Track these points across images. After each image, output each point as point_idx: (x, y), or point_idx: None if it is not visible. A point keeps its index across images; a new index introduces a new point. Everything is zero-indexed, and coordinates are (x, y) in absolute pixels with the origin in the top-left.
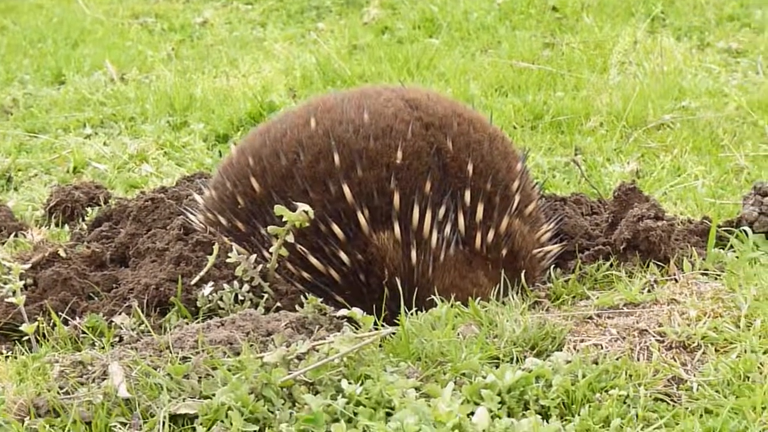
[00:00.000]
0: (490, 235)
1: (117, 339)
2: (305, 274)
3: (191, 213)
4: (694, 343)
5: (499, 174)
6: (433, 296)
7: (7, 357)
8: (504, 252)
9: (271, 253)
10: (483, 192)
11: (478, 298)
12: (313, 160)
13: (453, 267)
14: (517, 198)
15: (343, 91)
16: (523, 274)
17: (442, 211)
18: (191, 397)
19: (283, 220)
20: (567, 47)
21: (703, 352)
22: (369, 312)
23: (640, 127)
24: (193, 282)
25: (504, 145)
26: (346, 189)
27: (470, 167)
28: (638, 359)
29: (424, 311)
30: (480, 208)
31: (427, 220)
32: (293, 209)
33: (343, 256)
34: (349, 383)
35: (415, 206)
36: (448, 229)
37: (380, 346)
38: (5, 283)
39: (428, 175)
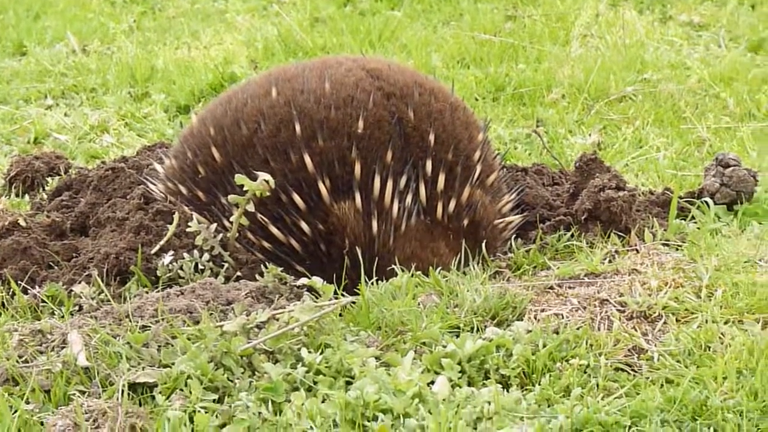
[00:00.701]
0: (452, 204)
1: (76, 308)
2: (266, 244)
3: (152, 182)
4: (655, 313)
5: (461, 144)
6: (393, 266)
7: None
8: (465, 222)
9: (231, 223)
10: (444, 162)
11: (439, 268)
12: (274, 130)
13: (414, 237)
14: (478, 168)
15: (304, 61)
16: (484, 244)
17: (403, 180)
18: (150, 366)
19: (244, 189)
20: (529, 20)
21: (664, 322)
22: (329, 281)
23: (602, 99)
24: (153, 251)
25: (465, 115)
26: (307, 158)
27: (432, 137)
28: (599, 329)
29: (384, 281)
30: (441, 178)
31: (388, 189)
32: (254, 179)
33: (303, 225)
34: (309, 352)
35: (376, 176)
36: (409, 199)
37: (340, 315)
38: None
39: (389, 145)
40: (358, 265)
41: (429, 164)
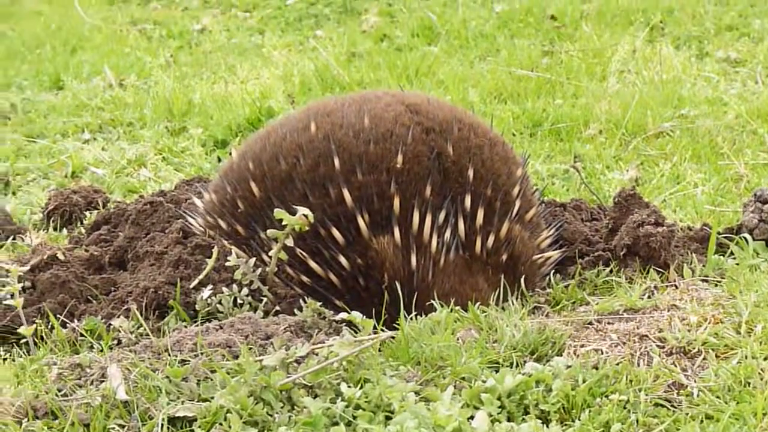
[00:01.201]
0: (491, 240)
1: (115, 342)
2: (305, 278)
3: (191, 216)
4: (694, 348)
5: (500, 179)
6: (432, 301)
7: (5, 359)
8: (504, 257)
9: (270, 257)
10: (483, 197)
11: (478, 303)
12: (313, 164)
13: (453, 272)
14: (517, 203)
15: (343, 95)
16: (522, 280)
17: (442, 215)
18: (190, 400)
19: (283, 224)
20: (566, 55)
21: (704, 358)
22: (368, 316)
23: (639, 134)
24: (191, 285)
25: (504, 151)
26: (345, 193)
27: (471, 172)
28: (638, 365)
29: (423, 316)
30: (480, 213)
31: (427, 224)
32: (293, 213)
33: (342, 260)
34: (349, 387)
35: (415, 210)
36: (448, 233)
37: (380, 350)
38: (4, 286)
39: (428, 180)
40: (397, 300)
41: (468, 199)
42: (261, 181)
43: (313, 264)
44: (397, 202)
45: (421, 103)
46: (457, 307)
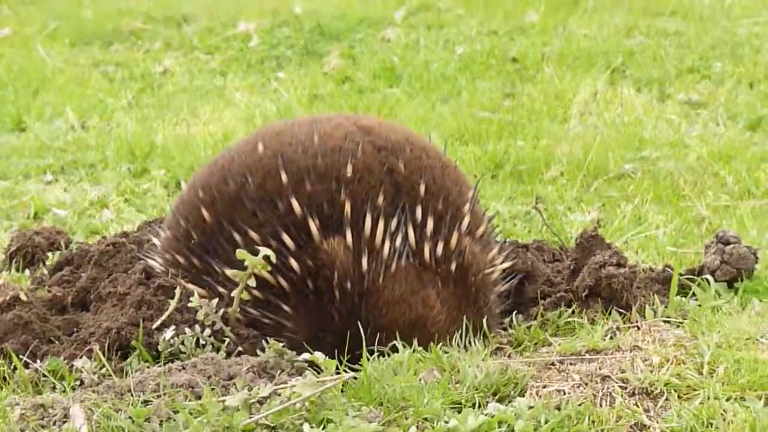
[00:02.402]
0: (440, 247)
1: (78, 382)
2: (256, 292)
3: (151, 257)
4: (656, 389)
5: (450, 197)
6: (382, 306)
7: None
8: (453, 266)
9: (225, 289)
10: (434, 209)
11: (433, 331)
12: (261, 182)
13: (404, 279)
14: (467, 219)
15: (293, 118)
16: (484, 321)
17: (394, 223)
18: None
19: (241, 261)
20: (527, 97)
21: (666, 399)
22: (315, 321)
23: (600, 176)
24: (154, 326)
25: (456, 173)
26: (294, 202)
27: (422, 187)
28: (601, 405)
29: (372, 321)
30: (430, 222)
31: (379, 229)
32: (243, 234)
33: (293, 263)
34: (311, 427)
35: (367, 215)
36: (398, 240)
37: (342, 390)
38: None
39: (381, 189)
40: (347, 300)
41: (419, 210)
42: (211, 206)
43: (264, 273)
44: (348, 207)
45: (372, 125)
46: (419, 348)
